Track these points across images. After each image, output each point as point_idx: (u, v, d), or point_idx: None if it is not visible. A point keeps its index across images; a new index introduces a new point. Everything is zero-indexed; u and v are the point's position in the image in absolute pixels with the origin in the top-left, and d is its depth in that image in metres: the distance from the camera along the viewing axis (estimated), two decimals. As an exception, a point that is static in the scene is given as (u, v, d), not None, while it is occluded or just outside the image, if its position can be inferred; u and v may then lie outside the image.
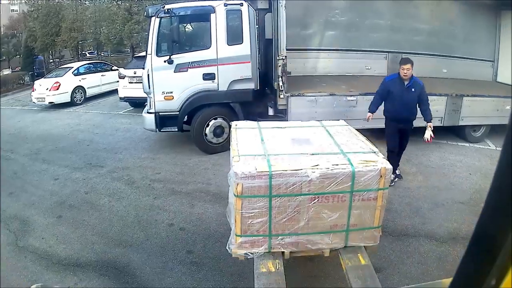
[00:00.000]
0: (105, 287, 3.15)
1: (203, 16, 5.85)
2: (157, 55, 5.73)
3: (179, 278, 3.18)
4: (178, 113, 5.88)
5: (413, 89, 4.32)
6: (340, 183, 2.31)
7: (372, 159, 2.41)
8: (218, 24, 5.72)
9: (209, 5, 5.74)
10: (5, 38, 25.63)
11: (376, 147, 2.68)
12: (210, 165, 5.62)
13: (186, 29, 6.60)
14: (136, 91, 8.46)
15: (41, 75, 16.22)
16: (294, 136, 2.87)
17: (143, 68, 5.98)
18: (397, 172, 4.74)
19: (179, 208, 4.39)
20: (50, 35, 21.19)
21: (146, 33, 6.35)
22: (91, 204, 4.63)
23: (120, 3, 18.76)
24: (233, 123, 3.31)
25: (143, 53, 7.34)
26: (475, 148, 6.13)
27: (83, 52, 27.63)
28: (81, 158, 6.41)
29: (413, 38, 6.91)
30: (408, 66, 4.25)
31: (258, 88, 6.08)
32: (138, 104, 9.24)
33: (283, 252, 2.48)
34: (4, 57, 24.73)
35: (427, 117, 4.41)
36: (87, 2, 22.09)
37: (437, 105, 5.58)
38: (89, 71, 12.51)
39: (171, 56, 5.66)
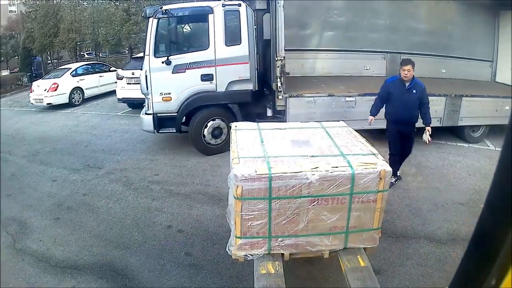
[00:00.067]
0: (103, 290, 3.12)
1: (201, 16, 5.83)
2: (155, 56, 5.70)
3: (178, 281, 3.16)
4: (176, 114, 5.86)
5: (414, 91, 4.28)
6: (340, 186, 2.31)
7: (371, 161, 2.40)
8: (216, 24, 5.71)
9: (207, 6, 5.72)
10: (3, 39, 25.56)
11: (376, 149, 2.67)
12: (209, 167, 5.60)
13: (184, 30, 6.58)
14: (134, 92, 8.45)
15: (39, 76, 16.20)
16: (294, 138, 2.86)
17: (141, 69, 5.96)
18: (398, 173, 4.73)
19: (177, 210, 4.37)
20: (48, 36, 21.19)
21: (144, 34, 6.34)
22: (89, 206, 4.61)
23: (118, 4, 18.77)
24: (233, 124, 3.29)
25: (141, 54, 7.30)
26: (474, 149, 6.13)
27: (81, 53, 27.64)
28: (79, 159, 6.39)
29: (411, 38, 6.90)
30: (409, 67, 4.21)
31: (257, 89, 6.06)
32: (136, 105, 9.20)
33: (282, 254, 2.48)
34: (2, 58, 24.66)
35: (427, 120, 4.40)
36: (85, 3, 22.12)
37: (436, 105, 5.57)
38: (87, 72, 12.48)
39: (169, 57, 5.64)
